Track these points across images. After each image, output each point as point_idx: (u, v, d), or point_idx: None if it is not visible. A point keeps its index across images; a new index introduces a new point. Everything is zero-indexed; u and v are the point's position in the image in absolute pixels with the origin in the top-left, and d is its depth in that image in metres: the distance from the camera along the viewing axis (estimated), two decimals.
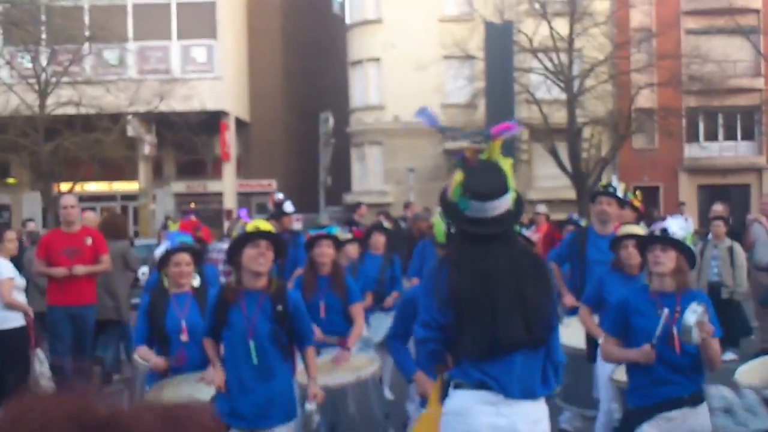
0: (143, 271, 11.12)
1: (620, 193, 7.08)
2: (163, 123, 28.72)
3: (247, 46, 34.31)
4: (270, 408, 4.73)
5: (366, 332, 7.16)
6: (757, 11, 30.76)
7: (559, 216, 13.57)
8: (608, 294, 5.97)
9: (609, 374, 5.71)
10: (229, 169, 32.55)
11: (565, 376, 4.70)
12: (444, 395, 3.88)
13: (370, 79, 33.21)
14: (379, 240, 9.18)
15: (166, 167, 34.60)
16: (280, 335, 4.78)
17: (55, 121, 25.37)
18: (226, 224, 25.46)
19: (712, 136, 32.49)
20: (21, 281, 8.29)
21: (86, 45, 26.65)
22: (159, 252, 6.09)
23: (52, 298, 8.77)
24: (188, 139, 27.87)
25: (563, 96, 26.11)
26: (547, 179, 29.70)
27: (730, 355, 9.67)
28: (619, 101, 27.56)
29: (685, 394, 4.51)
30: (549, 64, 25.96)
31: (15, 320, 8.02)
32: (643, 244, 4.92)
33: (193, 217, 8.82)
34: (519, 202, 3.95)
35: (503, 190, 3.79)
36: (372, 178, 33.09)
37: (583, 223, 9.37)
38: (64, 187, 24.93)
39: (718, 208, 12.43)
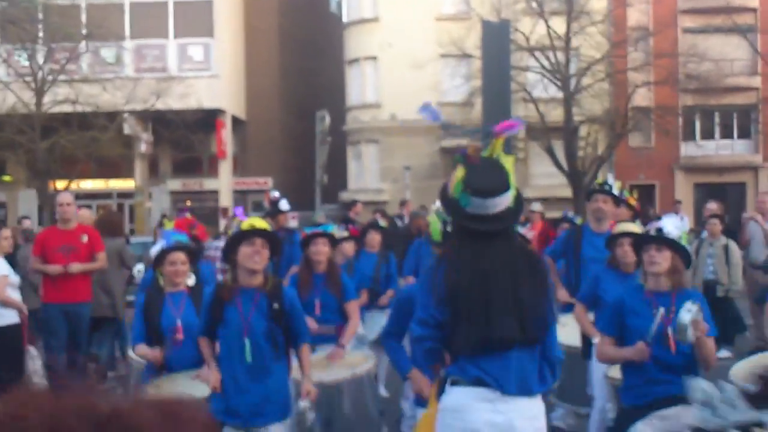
0: (139, 268, 11.12)
1: (616, 191, 7.09)
2: (159, 121, 28.71)
3: (244, 44, 34.29)
4: (265, 406, 4.73)
5: (361, 330, 7.16)
6: (754, 10, 30.78)
7: (555, 214, 13.57)
8: (604, 292, 5.98)
9: (604, 372, 5.72)
10: (225, 167, 32.54)
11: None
12: (440, 392, 3.89)
13: (366, 77, 33.20)
14: (374, 238, 9.19)
15: (162, 165, 34.58)
16: (276, 333, 4.77)
17: (51, 119, 25.34)
18: (222, 222, 25.49)
19: (708, 135, 32.52)
20: (15, 279, 8.29)
21: (83, 43, 26.61)
22: (155, 251, 6.09)
23: (47, 295, 8.78)
24: (185, 137, 27.86)
25: (560, 94, 26.11)
26: (543, 177, 29.71)
27: (725, 353, 9.68)
28: (616, 100, 27.57)
29: (679, 393, 4.52)
30: (546, 63, 25.96)
31: (9, 317, 8.02)
32: (639, 243, 4.92)
33: (188, 215, 8.82)
34: (519, 200, 3.96)
35: (504, 187, 3.80)
36: (368, 176, 33.09)
37: (578, 221, 9.38)
38: (60, 184, 24.90)
39: (713, 206, 12.45)
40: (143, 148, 30.57)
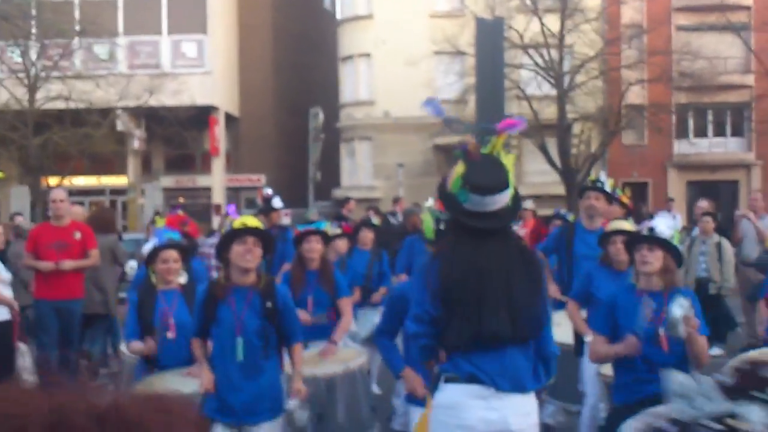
0: (131, 265, 11.09)
1: (608, 188, 7.10)
2: (152, 118, 28.64)
3: (238, 40, 34.23)
4: (258, 404, 4.73)
5: (353, 327, 7.16)
6: (748, 8, 30.81)
7: (548, 212, 13.57)
8: (597, 289, 5.98)
9: (596, 369, 5.72)
10: (218, 164, 32.49)
11: None
12: (434, 389, 3.90)
13: (360, 74, 33.18)
14: (367, 236, 9.19)
15: (155, 162, 34.53)
16: (268, 331, 4.77)
17: (44, 115, 25.26)
18: (215, 219, 25.45)
19: (701, 133, 32.58)
20: (7, 275, 8.27)
21: (76, 39, 26.54)
22: (147, 248, 6.08)
23: (38, 292, 8.77)
24: (178, 134, 27.82)
25: (553, 92, 26.11)
26: (536, 175, 29.72)
27: (717, 351, 9.71)
28: (610, 97, 27.58)
29: None
30: (539, 60, 25.95)
31: (0, 314, 8.00)
32: (631, 242, 4.93)
33: (180, 212, 8.80)
34: (517, 199, 3.97)
35: (503, 185, 3.80)
36: (361, 173, 33.08)
37: (570, 217, 9.39)
38: (53, 181, 24.84)
39: (703, 204, 12.49)
40: (136, 144, 30.50)
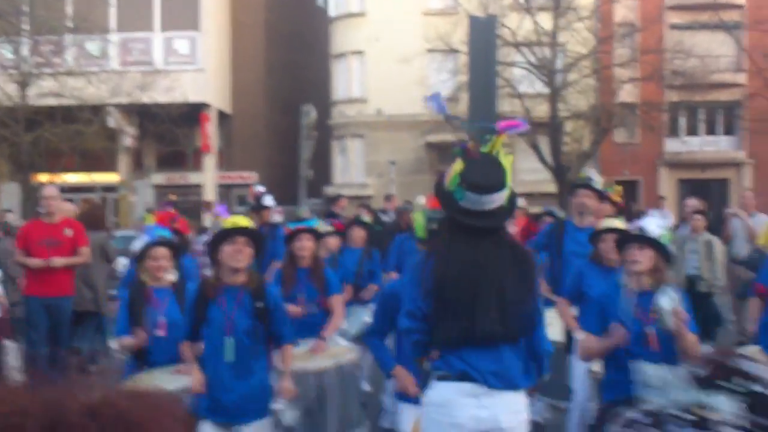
0: (122, 262, 11.06)
1: (598, 186, 7.11)
2: (144, 115, 28.57)
3: (230, 38, 34.17)
4: (248, 404, 4.74)
5: (343, 324, 7.16)
6: (740, 7, 30.89)
7: (540, 210, 13.57)
8: (588, 287, 6.00)
9: (586, 367, 5.73)
10: (210, 162, 32.44)
11: None
12: (425, 386, 3.91)
13: (352, 72, 33.17)
14: (358, 234, 9.19)
15: (146, 159, 34.45)
16: (259, 331, 4.77)
17: (36, 112, 25.15)
18: (205, 216, 25.41)
19: (693, 131, 32.67)
20: None
21: (68, 36, 26.44)
22: (137, 245, 6.06)
23: (28, 289, 8.75)
24: (169, 131, 27.74)
25: (546, 90, 26.12)
26: (528, 173, 29.74)
27: (706, 349, 9.72)
28: (602, 95, 27.61)
29: None
30: (532, 58, 25.96)
31: None
32: (620, 242, 4.94)
33: (170, 209, 8.78)
34: (513, 199, 3.98)
35: (500, 185, 3.81)
36: (353, 170, 33.08)
37: (560, 214, 9.41)
38: (44, 178, 24.75)
39: (692, 202, 12.53)
40: (128, 141, 30.42)
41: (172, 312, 5.59)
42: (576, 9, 26.04)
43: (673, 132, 32.04)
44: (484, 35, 11.51)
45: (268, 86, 34.90)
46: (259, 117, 34.24)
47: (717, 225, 12.65)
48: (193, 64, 31.11)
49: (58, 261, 8.60)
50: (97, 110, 26.40)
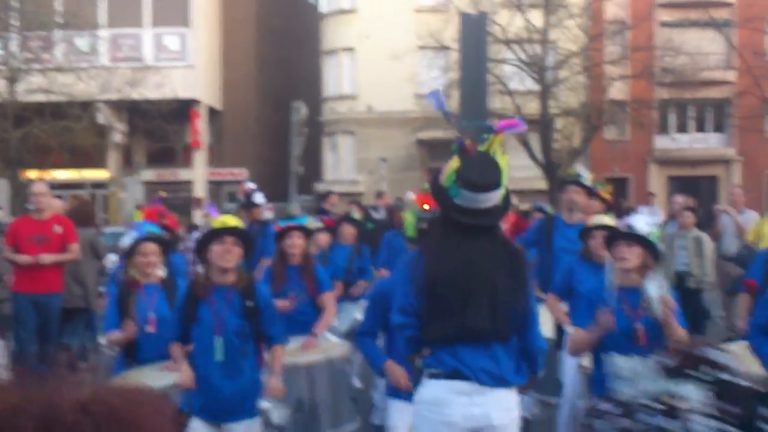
0: (112, 259, 11.03)
1: (587, 182, 7.13)
2: (134, 111, 28.49)
3: (221, 34, 34.10)
4: (238, 403, 4.74)
5: (333, 321, 7.15)
6: (730, 5, 30.99)
7: (528, 206, 13.60)
8: (578, 283, 6.01)
9: (577, 362, 5.74)
10: (200, 158, 32.37)
11: None
12: (417, 384, 3.91)
13: (343, 68, 33.14)
14: (348, 231, 9.18)
15: (136, 155, 34.35)
16: (248, 331, 4.77)
17: (24, 108, 25.03)
18: (196, 212, 25.35)
19: (683, 128, 32.78)
20: None
21: (58, 32, 26.32)
22: (126, 242, 6.04)
23: (17, 285, 8.71)
24: (159, 127, 27.65)
25: (536, 87, 26.16)
26: (518, 169, 29.70)
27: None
28: (592, 93, 27.67)
29: None
30: (523, 56, 25.99)
31: None
32: (609, 239, 4.95)
33: (160, 205, 8.76)
34: (507, 199, 3.98)
35: (496, 184, 3.82)
36: (344, 167, 33.06)
37: (549, 209, 9.43)
38: (33, 174, 24.65)
39: (679, 199, 12.61)
40: (117, 138, 30.32)
41: (161, 308, 5.57)
42: (567, 6, 26.08)
43: (663, 129, 32.13)
44: (475, 32, 11.52)
45: (259, 82, 34.85)
46: (250, 113, 34.19)
47: (707, 222, 12.70)
48: (183, 60, 31.04)
49: (47, 258, 8.57)
50: (87, 106, 26.29)
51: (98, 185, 32.94)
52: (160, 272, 5.77)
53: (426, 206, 5.05)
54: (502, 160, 3.88)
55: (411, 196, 6.73)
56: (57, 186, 27.43)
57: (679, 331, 4.51)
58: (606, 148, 30.86)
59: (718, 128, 32.72)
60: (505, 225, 12.38)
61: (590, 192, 7.21)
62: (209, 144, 33.30)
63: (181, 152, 34.03)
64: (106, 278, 9.44)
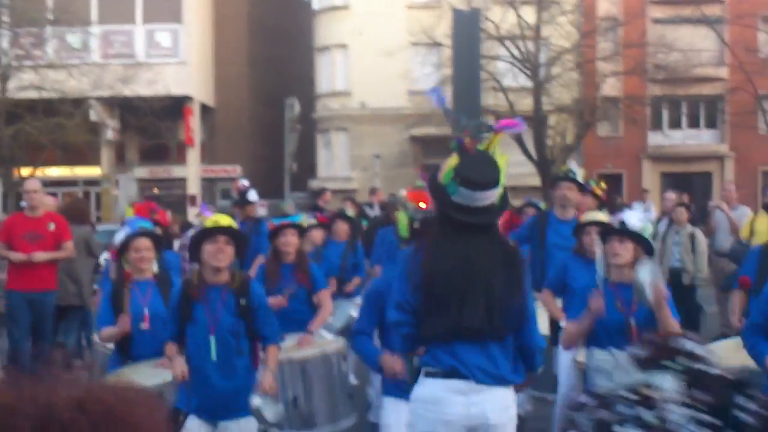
0: (106, 257, 11.00)
1: (580, 178, 7.15)
2: (126, 108, 28.40)
3: (213, 30, 34.02)
4: (234, 401, 4.73)
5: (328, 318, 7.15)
6: (722, 1, 31.02)
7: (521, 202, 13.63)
8: (572, 280, 6.02)
9: (572, 357, 5.75)
10: (193, 155, 32.29)
11: None
12: (414, 382, 3.91)
13: (336, 65, 33.10)
14: (341, 228, 9.17)
15: (129, 152, 34.25)
16: (243, 329, 4.77)
17: (16, 105, 24.95)
18: (190, 210, 25.34)
19: (675, 125, 32.84)
20: None
21: (49, 28, 26.24)
22: (119, 238, 6.02)
23: (10, 283, 8.68)
24: (152, 124, 27.57)
25: (529, 84, 26.19)
26: (512, 166, 29.19)
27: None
28: (585, 89, 27.72)
29: None
30: (516, 52, 26.01)
31: None
32: (602, 235, 4.97)
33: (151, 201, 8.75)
34: (505, 199, 3.99)
35: (494, 183, 3.82)
36: (338, 164, 33.04)
37: (542, 205, 9.44)
38: (25, 172, 24.58)
39: (671, 195, 12.65)
40: (110, 135, 30.25)
41: (155, 304, 5.55)
42: (559, 3, 26.12)
43: (656, 125, 32.20)
44: (467, 29, 11.54)
45: (252, 79, 34.79)
46: (243, 110, 34.13)
47: (701, 218, 12.74)
48: (176, 57, 30.94)
49: (40, 256, 8.53)
50: (79, 103, 26.21)
51: (91, 182, 32.85)
52: (154, 268, 5.75)
53: (418, 203, 5.06)
54: (501, 160, 3.88)
55: (404, 193, 6.73)
56: (49, 183, 27.38)
57: (671, 319, 4.52)
58: (599, 145, 30.90)
59: (711, 125, 32.79)
60: (499, 221, 12.36)
61: (583, 188, 7.22)
62: (202, 141, 33.23)
63: (174, 149, 33.95)
64: (101, 276, 9.43)
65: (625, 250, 4.71)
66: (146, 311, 5.52)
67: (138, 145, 34.43)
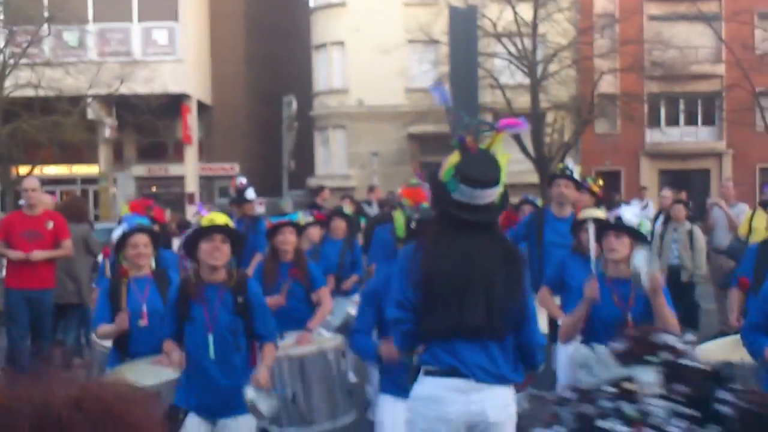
0: None
1: (576, 176, 7.15)
2: (123, 106, 28.39)
3: (210, 28, 33.99)
4: (232, 398, 4.73)
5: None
6: None
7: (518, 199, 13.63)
8: (570, 277, 6.01)
9: (570, 353, 5.75)
10: (191, 153, 32.27)
11: None
12: (413, 380, 3.90)
13: (333, 62, 33.08)
14: (339, 226, 9.16)
15: (126, 150, 34.24)
16: (241, 327, 4.77)
17: (13, 103, 24.95)
18: (188, 208, 25.33)
19: (673, 122, 32.87)
20: None
21: (45, 26, 26.21)
22: (116, 235, 6.00)
23: (9, 281, 8.68)
24: (149, 122, 27.56)
25: (527, 81, 26.18)
26: (510, 163, 29.52)
27: (689, 337, 9.78)
28: (582, 86, 27.72)
29: None
30: (513, 49, 26.01)
31: None
32: (598, 231, 4.97)
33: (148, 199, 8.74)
34: (505, 198, 3.99)
35: (494, 181, 3.82)
36: (335, 161, 33.03)
37: (538, 202, 9.44)
38: (23, 170, 24.56)
39: (667, 193, 12.67)
40: (107, 133, 30.23)
41: (153, 301, 5.54)
42: (556, 0, 26.09)
43: (654, 123, 32.23)
44: (464, 26, 11.53)
45: (249, 77, 34.77)
46: (240, 108, 34.11)
47: (699, 215, 12.75)
48: (172, 55, 30.92)
49: (39, 254, 8.52)
50: (76, 101, 26.20)
51: (89, 181, 32.84)
52: (152, 264, 5.74)
53: (413, 200, 5.04)
54: (503, 159, 3.88)
55: (399, 190, 6.73)
56: (47, 182, 27.38)
57: (667, 308, 4.53)
58: (597, 142, 30.92)
59: (709, 121, 32.82)
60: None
61: (579, 185, 7.23)
62: (200, 139, 33.22)
63: (171, 147, 33.93)
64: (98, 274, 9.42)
65: (622, 245, 4.72)
66: (144, 308, 5.51)
67: (135, 143, 34.42)
